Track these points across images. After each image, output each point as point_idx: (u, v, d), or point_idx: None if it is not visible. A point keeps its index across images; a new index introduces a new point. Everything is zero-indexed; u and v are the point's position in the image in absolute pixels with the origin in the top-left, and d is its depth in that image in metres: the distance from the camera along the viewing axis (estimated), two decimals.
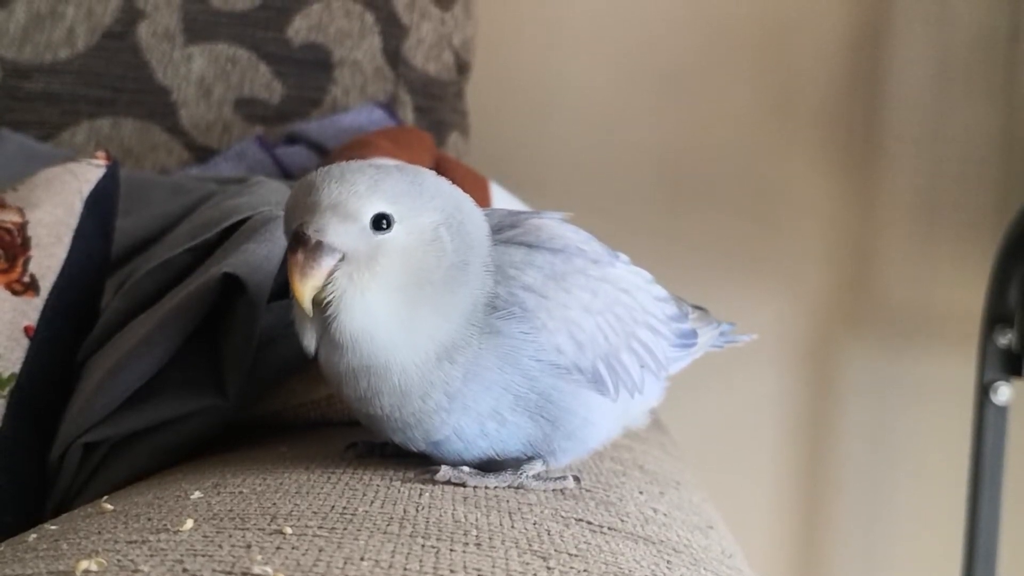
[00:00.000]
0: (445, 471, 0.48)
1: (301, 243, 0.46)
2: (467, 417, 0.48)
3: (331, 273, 0.46)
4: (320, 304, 0.46)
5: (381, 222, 0.46)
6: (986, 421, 1.13)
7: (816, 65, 1.37)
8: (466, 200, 0.50)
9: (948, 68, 1.36)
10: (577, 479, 0.52)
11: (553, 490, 0.50)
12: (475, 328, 0.48)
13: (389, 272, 0.46)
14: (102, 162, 0.69)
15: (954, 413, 1.28)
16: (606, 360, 0.51)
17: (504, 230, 0.51)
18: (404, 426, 0.49)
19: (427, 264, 0.47)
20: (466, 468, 0.49)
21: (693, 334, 0.58)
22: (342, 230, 0.46)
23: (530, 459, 0.50)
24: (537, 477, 0.50)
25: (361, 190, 0.46)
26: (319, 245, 0.46)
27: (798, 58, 1.37)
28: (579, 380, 0.50)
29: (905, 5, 1.36)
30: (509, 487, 0.49)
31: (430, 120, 1.13)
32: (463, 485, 0.48)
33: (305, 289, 0.46)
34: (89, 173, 0.68)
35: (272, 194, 0.71)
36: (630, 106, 1.38)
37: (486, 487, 0.48)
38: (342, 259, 0.46)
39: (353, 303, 0.46)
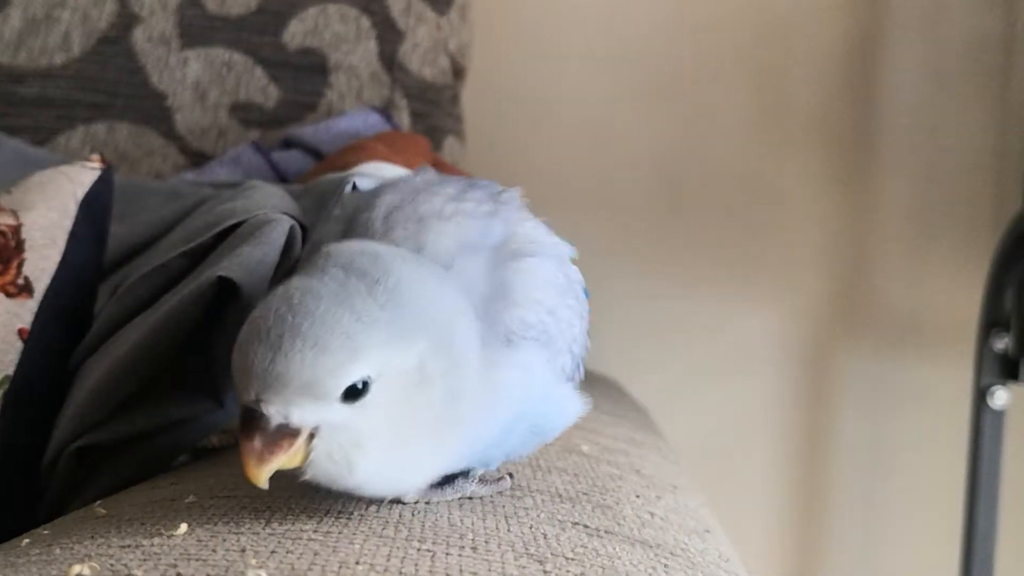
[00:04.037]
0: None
1: (256, 427, 0.37)
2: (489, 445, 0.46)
3: (294, 446, 0.38)
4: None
5: (356, 387, 0.38)
6: (983, 426, 1.13)
7: (811, 72, 1.37)
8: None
9: (943, 75, 1.36)
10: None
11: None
12: (488, 368, 0.43)
13: (373, 433, 0.39)
14: (96, 165, 0.69)
15: (951, 418, 1.28)
16: (583, 354, 0.49)
17: (508, 242, 0.46)
18: None
19: (418, 404, 0.39)
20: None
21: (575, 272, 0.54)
22: (311, 410, 0.37)
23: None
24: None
25: (342, 359, 0.37)
26: (282, 427, 0.37)
27: (793, 65, 1.38)
28: (567, 382, 0.49)
29: (900, 13, 1.36)
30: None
31: (426, 125, 1.13)
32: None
33: (262, 475, 0.37)
34: (83, 176, 0.68)
35: (267, 198, 0.71)
36: (626, 111, 1.38)
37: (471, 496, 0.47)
38: (311, 435, 0.38)
39: (341, 475, 0.39)
